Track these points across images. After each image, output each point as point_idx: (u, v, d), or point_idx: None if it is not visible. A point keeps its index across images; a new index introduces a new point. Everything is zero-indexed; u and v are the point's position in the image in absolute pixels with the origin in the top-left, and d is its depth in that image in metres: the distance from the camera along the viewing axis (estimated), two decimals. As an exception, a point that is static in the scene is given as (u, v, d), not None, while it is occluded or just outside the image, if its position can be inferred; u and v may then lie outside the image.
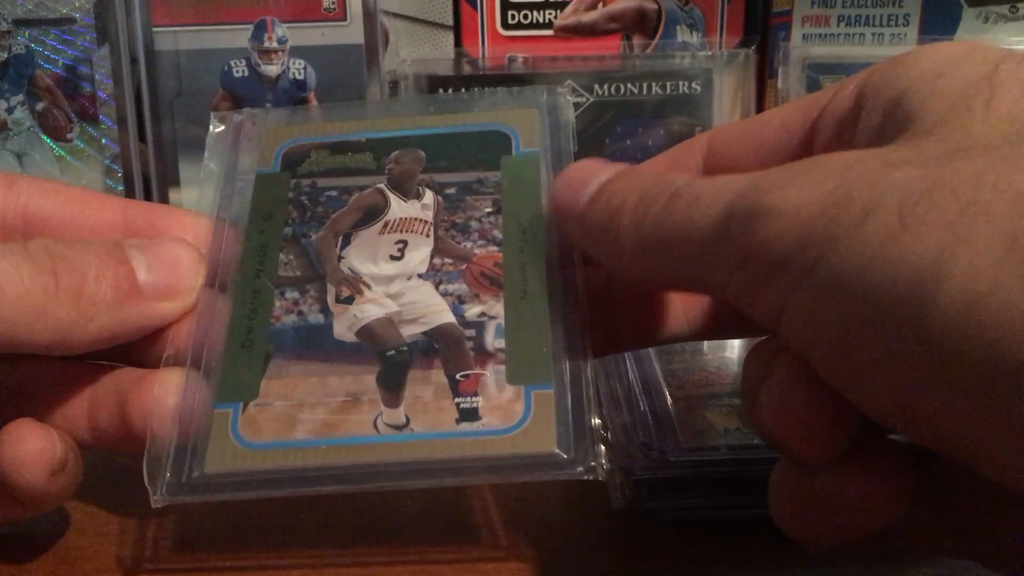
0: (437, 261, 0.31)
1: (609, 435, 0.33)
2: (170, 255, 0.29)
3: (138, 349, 0.29)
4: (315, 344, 0.29)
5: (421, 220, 0.32)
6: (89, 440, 0.30)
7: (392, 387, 0.28)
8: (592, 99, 0.53)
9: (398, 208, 0.32)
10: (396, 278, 0.30)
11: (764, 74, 0.54)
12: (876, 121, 0.24)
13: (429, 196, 0.32)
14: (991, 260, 0.17)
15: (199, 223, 0.32)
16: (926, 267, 0.18)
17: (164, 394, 0.28)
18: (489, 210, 0.32)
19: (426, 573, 0.29)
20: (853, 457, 0.23)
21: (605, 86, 0.53)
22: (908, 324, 0.18)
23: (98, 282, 0.27)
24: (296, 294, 0.30)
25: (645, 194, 0.25)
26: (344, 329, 0.30)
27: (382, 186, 0.33)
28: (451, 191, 0.32)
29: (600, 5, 0.54)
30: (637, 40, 0.54)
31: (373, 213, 0.32)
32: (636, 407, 0.33)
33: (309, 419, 0.27)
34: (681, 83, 0.53)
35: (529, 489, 0.33)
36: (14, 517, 0.29)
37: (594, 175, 0.27)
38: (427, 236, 0.31)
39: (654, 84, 0.53)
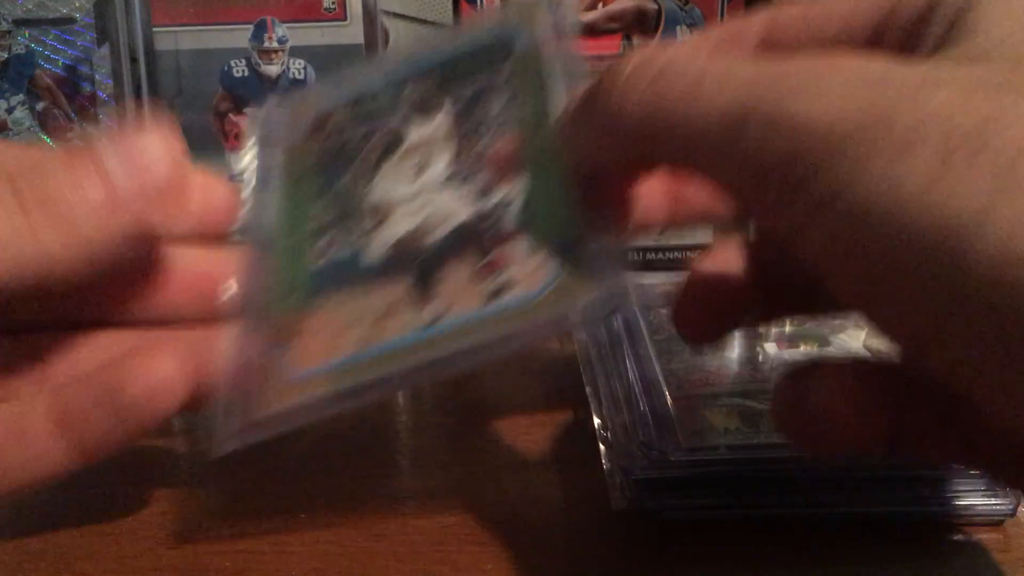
0: (456, 166, 0.31)
1: (609, 435, 0.33)
2: (141, 145, 0.27)
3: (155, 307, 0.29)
4: (351, 276, 0.30)
5: (441, 136, 0.32)
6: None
7: (425, 287, 0.28)
8: (592, 99, 0.53)
9: (416, 135, 0.32)
10: (419, 194, 0.31)
11: (764, 74, 0.54)
12: (940, 30, 0.22)
13: (448, 105, 0.33)
14: None
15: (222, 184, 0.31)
16: (966, 219, 0.17)
17: (221, 351, 0.28)
18: (505, 101, 0.31)
19: (426, 573, 0.29)
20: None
21: (605, 86, 0.53)
22: (938, 274, 0.17)
23: (73, 193, 0.25)
24: (328, 237, 0.31)
25: (643, 60, 0.23)
26: (375, 254, 0.30)
27: (402, 114, 0.33)
28: (467, 92, 0.33)
29: (600, 5, 0.54)
30: (637, 40, 0.54)
31: (394, 144, 0.33)
32: (636, 407, 0.33)
33: (352, 338, 0.28)
34: (681, 83, 0.53)
35: (530, 489, 0.33)
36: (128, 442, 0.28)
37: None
38: (447, 142, 0.32)
39: (654, 84, 0.53)
